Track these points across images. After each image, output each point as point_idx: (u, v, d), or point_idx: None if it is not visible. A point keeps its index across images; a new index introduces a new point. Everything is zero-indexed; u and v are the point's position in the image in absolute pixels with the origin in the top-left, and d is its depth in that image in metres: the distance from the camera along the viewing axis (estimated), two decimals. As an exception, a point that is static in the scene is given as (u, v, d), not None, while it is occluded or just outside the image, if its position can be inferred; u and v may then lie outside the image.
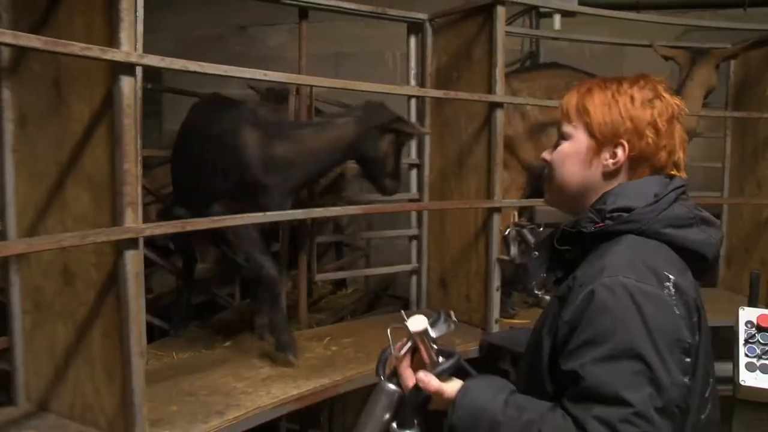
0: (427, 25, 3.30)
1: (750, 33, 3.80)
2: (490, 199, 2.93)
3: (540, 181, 2.97)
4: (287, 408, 2.21)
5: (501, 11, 2.85)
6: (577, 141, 1.26)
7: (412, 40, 3.39)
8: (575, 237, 1.22)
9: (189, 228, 2.00)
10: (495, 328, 2.95)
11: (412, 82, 3.44)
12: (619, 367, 1.03)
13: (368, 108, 2.67)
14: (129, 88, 1.72)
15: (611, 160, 1.23)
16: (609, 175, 1.24)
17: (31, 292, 2.02)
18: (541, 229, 2.96)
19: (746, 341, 1.96)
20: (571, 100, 1.28)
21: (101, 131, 1.79)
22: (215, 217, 2.09)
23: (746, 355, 1.95)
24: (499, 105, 2.88)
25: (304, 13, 3.00)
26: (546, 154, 1.33)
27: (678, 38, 4.60)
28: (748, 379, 1.91)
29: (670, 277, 1.10)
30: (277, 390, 2.26)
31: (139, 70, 1.75)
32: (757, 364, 1.93)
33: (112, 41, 1.70)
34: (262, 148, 2.51)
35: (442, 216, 3.28)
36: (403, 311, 1.32)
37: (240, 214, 2.22)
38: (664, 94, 1.24)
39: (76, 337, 1.92)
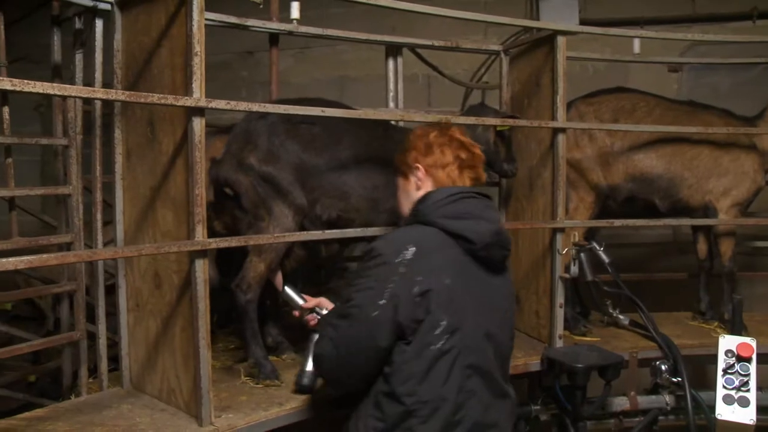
0: (503, 55, 3.49)
1: (760, 47, 3.55)
2: (553, 219, 3.05)
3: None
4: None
5: (561, 41, 2.98)
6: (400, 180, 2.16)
7: (390, 63, 3.44)
8: None
9: (252, 242, 2.36)
10: (558, 344, 3.04)
11: (391, 104, 3.47)
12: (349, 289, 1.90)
13: (472, 112, 3.02)
14: (199, 127, 2.10)
15: (414, 179, 2.07)
16: (419, 188, 2.06)
17: (133, 294, 2.47)
18: (601, 249, 3.01)
19: (725, 371, 1.83)
20: None
21: (180, 162, 2.19)
22: (278, 234, 2.42)
23: (724, 387, 1.81)
24: (561, 130, 3.00)
25: (274, 38, 3.20)
26: None
27: (683, 53, 4.41)
28: (725, 412, 1.78)
29: (410, 248, 1.82)
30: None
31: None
32: (735, 397, 1.78)
33: (187, 90, 2.10)
34: None
35: (515, 234, 3.42)
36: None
37: (304, 231, 2.54)
38: (435, 129, 2.09)
39: (163, 332, 2.33)
